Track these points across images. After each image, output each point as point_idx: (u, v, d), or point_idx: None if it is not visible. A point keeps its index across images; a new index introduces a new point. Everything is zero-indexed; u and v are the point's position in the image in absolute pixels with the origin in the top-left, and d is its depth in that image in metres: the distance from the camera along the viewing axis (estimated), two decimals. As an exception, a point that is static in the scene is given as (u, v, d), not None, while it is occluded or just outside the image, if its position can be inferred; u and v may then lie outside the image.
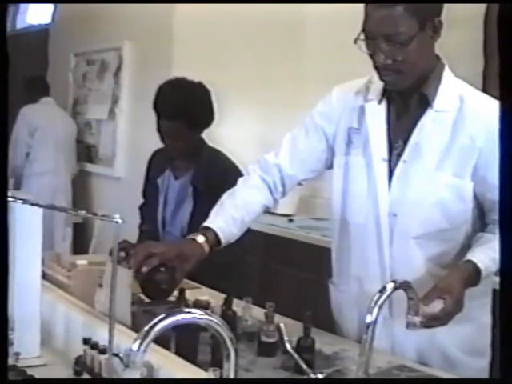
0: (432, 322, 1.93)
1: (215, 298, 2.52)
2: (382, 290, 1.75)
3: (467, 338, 2.19)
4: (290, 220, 5.04)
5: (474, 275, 2.03)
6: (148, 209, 3.45)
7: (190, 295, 2.48)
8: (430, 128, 2.15)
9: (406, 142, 2.18)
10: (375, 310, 1.72)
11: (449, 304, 1.94)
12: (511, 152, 1.28)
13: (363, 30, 2.08)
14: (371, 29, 2.06)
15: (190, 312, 1.44)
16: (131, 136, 5.46)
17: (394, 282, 1.80)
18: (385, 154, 2.21)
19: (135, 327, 2.20)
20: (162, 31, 5.14)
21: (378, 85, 2.24)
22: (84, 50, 6.05)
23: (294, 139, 2.44)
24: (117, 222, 1.75)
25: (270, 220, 4.88)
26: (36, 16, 7.60)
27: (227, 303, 2.34)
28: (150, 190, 3.39)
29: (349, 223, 2.33)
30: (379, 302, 1.73)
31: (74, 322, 2.28)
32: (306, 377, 1.98)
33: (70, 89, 6.26)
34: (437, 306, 1.94)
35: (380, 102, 2.24)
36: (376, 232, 2.23)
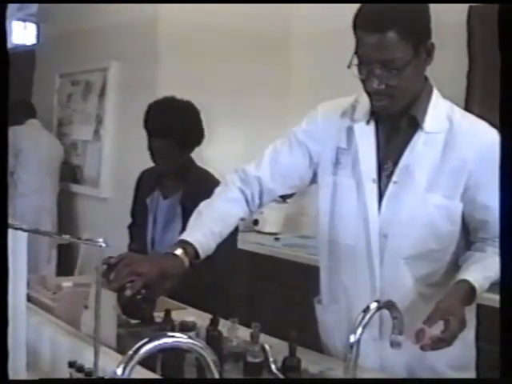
0: (438, 343, 1.92)
1: (201, 318, 2.52)
2: (366, 310, 1.77)
3: (455, 354, 2.17)
4: (276, 238, 5.04)
5: (469, 294, 2.04)
6: (137, 228, 3.46)
7: (176, 316, 2.47)
8: (420, 150, 2.15)
9: (395, 164, 2.18)
10: (359, 330, 1.74)
11: (453, 324, 1.93)
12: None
13: (356, 55, 2.07)
14: (366, 54, 2.04)
15: (173, 336, 1.44)
16: (117, 157, 5.46)
17: (377, 301, 1.81)
18: (374, 174, 2.20)
19: (121, 349, 2.20)
20: (148, 52, 5.15)
21: (364, 104, 2.24)
22: (69, 71, 6.06)
23: (277, 153, 2.40)
24: (100, 246, 1.75)
25: (256, 238, 4.89)
26: (21, 36, 7.62)
27: (213, 324, 2.34)
28: (139, 209, 3.40)
29: (338, 244, 2.31)
30: (363, 322, 1.74)
31: (60, 345, 2.27)
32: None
33: (55, 110, 6.26)
34: (439, 328, 1.94)
35: (368, 122, 2.23)
36: (366, 253, 2.22)
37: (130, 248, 3.42)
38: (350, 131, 2.27)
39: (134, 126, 5.11)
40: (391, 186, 2.18)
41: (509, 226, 1.31)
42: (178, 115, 3.20)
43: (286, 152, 2.38)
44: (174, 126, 3.16)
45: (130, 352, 1.36)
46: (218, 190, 2.46)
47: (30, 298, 2.52)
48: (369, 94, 2.13)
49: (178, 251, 2.22)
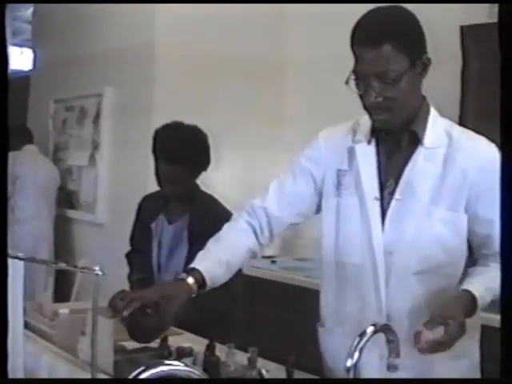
0: (437, 347, 1.91)
1: (198, 343, 2.51)
2: (362, 334, 1.76)
3: (462, 372, 2.17)
4: (273, 261, 5.01)
5: (471, 304, 2.03)
6: (137, 256, 3.42)
7: (172, 341, 2.48)
8: (421, 165, 2.16)
9: (397, 181, 2.19)
10: (356, 354, 1.73)
11: (453, 328, 1.91)
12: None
13: (354, 72, 2.11)
14: (363, 69, 2.08)
15: (170, 364, 1.44)
16: (112, 182, 5.45)
17: (373, 325, 1.80)
18: (376, 193, 2.20)
19: (118, 376, 2.20)
20: (143, 77, 5.15)
21: (365, 126, 2.26)
22: (64, 97, 6.06)
23: (281, 183, 2.43)
24: (97, 275, 1.76)
25: (253, 262, 4.87)
26: (18, 62, 7.65)
27: (210, 349, 2.34)
28: (142, 235, 3.35)
29: (343, 264, 2.30)
30: (359, 346, 1.74)
31: (57, 372, 2.27)
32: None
33: (50, 135, 6.26)
34: (439, 333, 1.93)
35: (369, 142, 2.25)
36: (372, 271, 2.21)
37: (130, 278, 3.40)
38: (351, 152, 2.29)
39: (129, 151, 5.17)
40: (394, 203, 2.18)
41: (509, 227, 1.31)
42: (187, 141, 3.17)
43: (291, 180, 2.41)
44: (183, 152, 3.12)
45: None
46: (225, 226, 2.48)
47: (26, 325, 2.51)
48: (368, 109, 2.15)
49: (186, 277, 2.22)
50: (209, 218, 3.17)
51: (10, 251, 1.88)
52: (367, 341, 1.76)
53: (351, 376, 1.72)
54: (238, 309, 3.31)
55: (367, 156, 2.24)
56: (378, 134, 2.24)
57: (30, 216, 5.71)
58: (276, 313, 4.46)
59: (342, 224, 2.29)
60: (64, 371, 2.26)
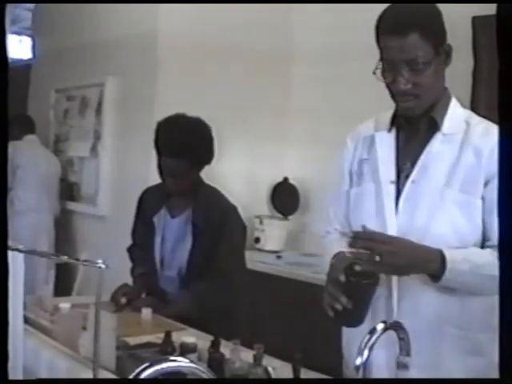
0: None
1: (202, 339, 2.47)
2: (372, 331, 1.71)
3: (476, 371, 2.15)
4: (278, 256, 4.98)
5: (436, 259, 2.07)
6: (139, 250, 3.39)
7: (176, 337, 2.43)
8: (438, 149, 2.21)
9: (413, 164, 2.24)
10: (365, 352, 1.68)
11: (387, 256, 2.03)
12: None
13: (381, 61, 2.17)
14: (391, 57, 2.14)
15: (174, 360, 1.40)
16: (114, 173, 5.40)
17: (384, 322, 1.76)
18: (393, 176, 2.26)
19: (120, 372, 2.15)
20: (146, 66, 5.11)
21: (385, 118, 2.35)
22: (65, 86, 6.00)
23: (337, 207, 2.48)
24: (100, 268, 1.71)
25: (258, 257, 4.83)
26: (17, 50, 7.59)
27: (214, 345, 2.30)
28: (144, 229, 3.31)
29: None
30: (369, 344, 1.69)
31: (58, 368, 2.24)
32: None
33: (51, 126, 6.20)
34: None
35: (389, 130, 2.32)
36: None
37: (133, 273, 3.36)
38: (371, 141, 2.37)
39: (131, 141, 5.12)
40: (409, 185, 2.22)
41: (508, 225, 1.27)
42: (191, 134, 3.12)
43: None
44: (186, 146, 3.08)
45: (131, 377, 1.33)
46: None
47: (26, 320, 2.46)
48: (395, 96, 2.22)
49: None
50: (213, 211, 3.15)
51: (9, 243, 1.84)
52: (377, 338, 1.71)
53: (361, 374, 1.68)
54: (243, 304, 3.28)
55: (386, 142, 2.32)
56: (398, 122, 2.31)
57: (30, 208, 5.66)
58: (282, 309, 4.42)
59: (358, 208, 2.34)
60: (65, 367, 2.22)
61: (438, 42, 2.14)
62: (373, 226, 2.22)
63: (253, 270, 4.47)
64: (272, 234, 5.16)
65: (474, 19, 4.10)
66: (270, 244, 5.16)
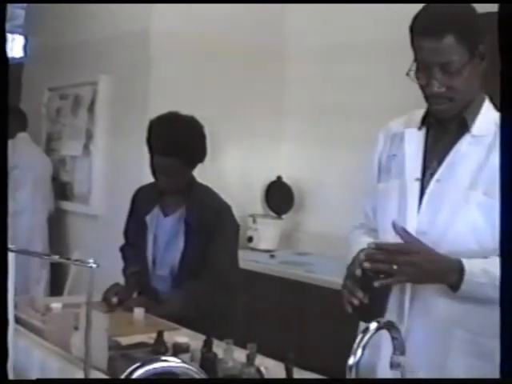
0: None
1: (195, 339, 2.46)
2: (365, 331, 1.70)
3: (480, 372, 2.13)
4: (272, 256, 4.96)
5: (455, 270, 2.06)
6: (132, 249, 3.39)
7: (168, 336, 2.42)
8: (465, 149, 2.21)
9: (440, 163, 2.24)
10: (359, 351, 1.67)
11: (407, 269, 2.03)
12: None
13: (415, 62, 2.17)
14: (425, 59, 2.14)
15: (166, 360, 1.40)
16: (107, 172, 5.39)
17: (377, 322, 1.75)
18: (418, 174, 2.26)
19: (112, 372, 2.14)
20: (139, 65, 5.10)
21: (417, 115, 2.33)
22: (58, 85, 5.98)
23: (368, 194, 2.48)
24: (91, 267, 1.70)
25: (251, 256, 4.82)
26: (9, 49, 7.56)
27: (207, 345, 2.29)
28: (137, 228, 3.30)
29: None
30: (362, 343, 1.68)
31: (50, 368, 2.23)
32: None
33: (44, 124, 6.18)
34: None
35: (420, 128, 2.32)
36: None
37: (125, 272, 3.34)
38: (401, 137, 2.36)
39: (124, 140, 5.10)
40: (434, 183, 2.22)
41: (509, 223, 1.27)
42: (183, 133, 3.12)
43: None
44: (179, 145, 3.07)
45: (122, 377, 1.34)
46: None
47: (18, 320, 2.46)
48: (429, 98, 2.21)
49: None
50: (206, 209, 3.15)
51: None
52: (370, 338, 1.71)
53: (353, 374, 1.67)
54: (237, 304, 3.27)
55: (415, 140, 2.32)
56: (428, 121, 2.31)
57: (25, 208, 5.62)
58: (275, 308, 4.42)
59: (383, 204, 2.35)
60: (56, 367, 2.21)
61: (473, 45, 2.12)
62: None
63: (246, 269, 4.46)
64: (265, 233, 5.15)
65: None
66: (264, 243, 5.15)
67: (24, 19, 6.85)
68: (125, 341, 2.48)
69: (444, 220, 2.18)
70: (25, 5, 6.81)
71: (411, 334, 2.16)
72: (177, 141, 3.08)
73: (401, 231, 2.10)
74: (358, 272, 2.09)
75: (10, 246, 2.01)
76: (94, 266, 1.74)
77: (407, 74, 2.16)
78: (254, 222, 5.16)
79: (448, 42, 2.09)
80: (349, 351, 1.63)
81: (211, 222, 3.13)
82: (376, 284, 2.05)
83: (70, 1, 5.70)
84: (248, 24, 5.23)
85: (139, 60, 5.07)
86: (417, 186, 2.24)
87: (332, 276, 4.15)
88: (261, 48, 5.33)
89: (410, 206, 2.24)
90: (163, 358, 1.44)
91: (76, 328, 2.39)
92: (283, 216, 5.33)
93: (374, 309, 2.09)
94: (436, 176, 2.22)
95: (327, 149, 5.11)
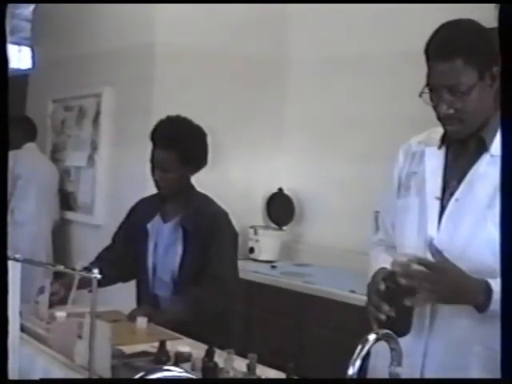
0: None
1: (197, 348, 2.49)
2: (364, 342, 1.73)
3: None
4: (273, 266, 4.99)
5: (482, 291, 2.06)
6: (111, 253, 3.44)
7: (170, 346, 2.45)
8: (484, 170, 2.22)
9: (459, 182, 2.26)
10: (357, 362, 1.70)
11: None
12: None
13: (427, 84, 2.20)
14: (435, 81, 2.17)
15: (169, 369, 1.42)
16: (111, 183, 5.42)
17: (376, 333, 1.78)
18: (438, 193, 2.28)
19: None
20: (143, 77, 5.13)
21: (436, 134, 2.35)
22: (62, 96, 6.02)
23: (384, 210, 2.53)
24: (95, 277, 1.73)
25: (252, 266, 4.84)
26: (16, 60, 7.60)
27: (209, 355, 2.32)
28: (137, 236, 3.34)
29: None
30: (361, 354, 1.70)
31: (53, 376, 2.24)
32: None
33: (49, 135, 6.22)
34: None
35: (439, 147, 2.34)
36: None
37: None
38: (421, 155, 2.38)
39: (128, 152, 5.14)
40: (453, 202, 2.24)
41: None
42: (184, 130, 3.23)
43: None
44: (177, 139, 3.17)
45: None
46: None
47: (22, 328, 2.49)
48: (441, 120, 2.23)
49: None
50: (203, 215, 3.20)
51: (8, 253, 1.86)
52: (369, 349, 1.73)
53: (353, 384, 1.69)
54: (237, 313, 3.30)
55: (435, 158, 2.34)
56: (448, 141, 2.33)
57: (30, 218, 5.63)
58: (276, 318, 4.43)
59: (402, 221, 2.37)
60: (60, 375, 2.23)
61: (484, 67, 2.14)
62: (414, 239, 2.29)
63: (247, 279, 4.50)
64: (266, 244, 5.17)
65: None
66: (265, 254, 5.16)
67: (30, 31, 6.91)
68: (127, 349, 2.50)
69: (463, 238, 2.20)
70: (30, 17, 6.87)
71: (430, 350, 2.19)
72: (176, 136, 3.19)
73: (436, 252, 2.14)
74: (382, 286, 2.11)
75: (16, 255, 2.05)
76: (99, 276, 1.77)
77: (420, 96, 2.19)
78: (255, 233, 5.19)
79: (456, 65, 2.12)
80: (348, 361, 1.66)
81: (208, 228, 3.18)
82: (407, 303, 2.07)
83: (71, 1, 5.75)
84: (250, 37, 5.27)
85: (143, 72, 5.10)
86: (437, 204, 2.27)
87: (332, 287, 4.19)
88: (262, 61, 5.37)
89: (430, 224, 2.26)
90: (166, 367, 1.47)
91: (80, 337, 2.42)
92: (284, 227, 5.35)
93: (400, 322, 2.10)
94: (455, 195, 2.24)
95: (328, 161, 5.14)
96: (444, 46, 2.16)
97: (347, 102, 5.02)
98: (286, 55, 5.53)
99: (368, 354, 1.71)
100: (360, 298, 3.79)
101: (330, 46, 5.16)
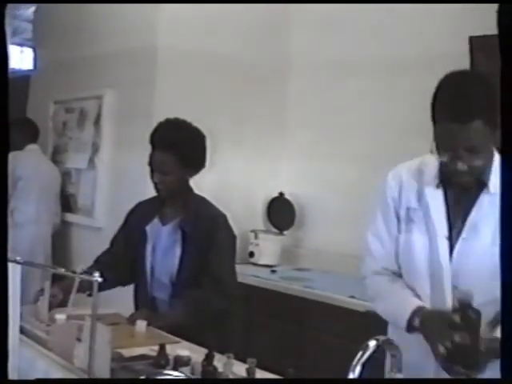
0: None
1: (196, 352, 2.48)
2: (365, 348, 1.73)
3: None
4: (273, 271, 4.99)
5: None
6: (109, 256, 3.43)
7: (170, 349, 2.45)
8: (486, 209, 2.29)
9: (463, 221, 2.33)
10: (357, 368, 1.70)
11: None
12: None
13: (436, 143, 2.22)
14: (451, 141, 2.18)
15: (168, 374, 1.43)
16: (111, 186, 5.41)
17: (376, 339, 1.78)
18: (446, 232, 2.35)
19: (114, 384, 2.16)
20: (144, 79, 5.13)
21: (432, 168, 2.39)
22: (64, 98, 6.02)
23: (379, 237, 2.52)
24: (96, 281, 1.73)
25: (252, 271, 4.84)
26: (17, 61, 7.60)
27: (208, 359, 2.32)
28: (135, 238, 3.34)
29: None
30: (362, 360, 1.71)
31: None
32: None
33: (50, 137, 6.21)
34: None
35: (437, 186, 2.38)
36: (440, 302, 2.32)
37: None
38: (420, 193, 2.42)
39: (129, 154, 5.13)
40: (460, 241, 2.33)
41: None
42: (182, 132, 3.23)
43: (386, 232, 2.50)
44: (176, 141, 3.17)
45: None
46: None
47: (22, 330, 2.48)
48: (451, 173, 2.27)
49: None
50: (201, 217, 3.21)
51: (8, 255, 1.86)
52: (370, 355, 1.73)
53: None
54: (237, 317, 3.30)
55: (436, 199, 2.38)
56: (445, 180, 2.36)
57: (30, 219, 5.62)
58: (275, 323, 4.43)
59: (411, 258, 2.41)
60: (59, 377, 2.22)
61: (497, 125, 2.12)
62: (425, 276, 2.36)
63: (247, 283, 4.49)
64: (267, 248, 5.18)
65: (472, 39, 4.11)
66: (265, 258, 5.16)
67: (32, 32, 6.92)
68: (127, 353, 2.50)
69: (472, 274, 2.27)
70: (31, 17, 6.87)
71: None
72: (175, 138, 3.18)
73: (466, 305, 2.12)
74: (457, 318, 2.13)
75: (16, 257, 2.05)
76: (100, 279, 1.77)
77: (431, 152, 2.25)
78: (256, 237, 5.19)
79: (475, 127, 2.13)
80: (348, 366, 1.66)
81: (206, 230, 3.19)
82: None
83: (70, 1, 5.75)
84: (251, 40, 5.29)
85: (144, 75, 5.10)
86: (446, 244, 2.33)
87: (332, 292, 4.18)
88: (263, 64, 5.38)
89: (444, 262, 2.32)
90: (165, 372, 1.48)
91: (79, 339, 2.42)
92: (284, 232, 5.35)
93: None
94: (462, 235, 2.31)
95: (329, 166, 5.14)
96: (461, 107, 2.15)
97: (348, 106, 5.03)
98: (287, 59, 5.53)
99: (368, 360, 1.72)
100: (360, 304, 3.80)
101: (330, 48, 5.17)
